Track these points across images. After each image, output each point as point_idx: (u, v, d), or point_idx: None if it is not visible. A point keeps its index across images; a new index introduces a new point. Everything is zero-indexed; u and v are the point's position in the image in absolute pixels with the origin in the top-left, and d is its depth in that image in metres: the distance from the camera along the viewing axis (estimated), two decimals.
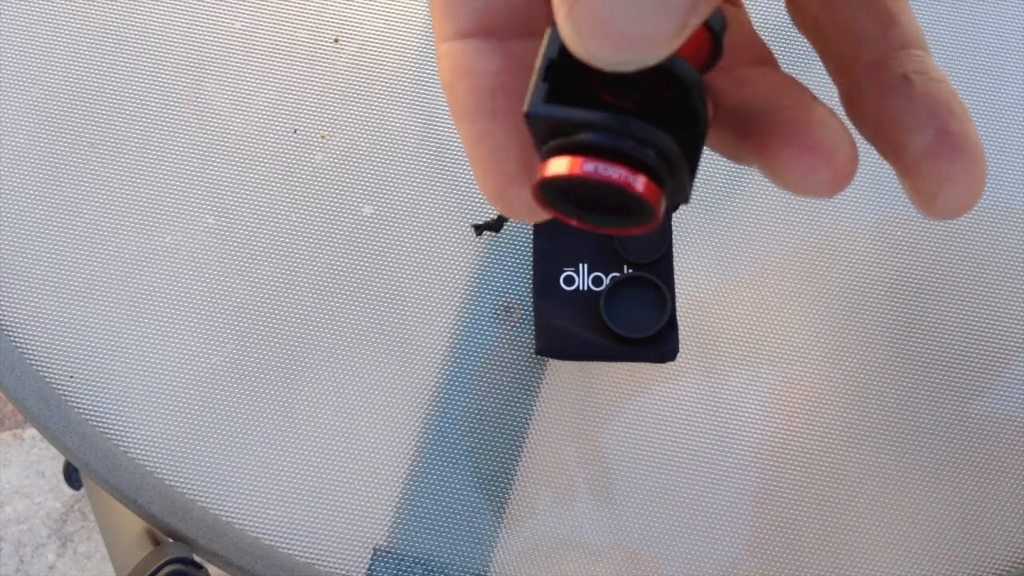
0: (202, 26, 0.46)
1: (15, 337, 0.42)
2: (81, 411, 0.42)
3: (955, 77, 0.47)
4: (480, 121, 0.17)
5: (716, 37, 0.17)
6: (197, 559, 0.42)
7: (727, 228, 0.45)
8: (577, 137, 0.16)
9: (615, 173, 0.16)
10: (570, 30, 0.14)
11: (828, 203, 0.45)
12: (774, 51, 0.20)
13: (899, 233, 0.45)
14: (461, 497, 0.42)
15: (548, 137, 0.17)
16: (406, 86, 0.46)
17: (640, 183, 0.16)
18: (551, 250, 0.42)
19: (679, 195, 0.17)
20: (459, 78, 0.17)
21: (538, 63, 0.16)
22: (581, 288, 0.41)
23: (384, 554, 0.41)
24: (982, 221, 0.45)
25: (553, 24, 0.16)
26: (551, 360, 0.43)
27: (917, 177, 0.17)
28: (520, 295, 0.44)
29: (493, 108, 0.17)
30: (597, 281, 0.41)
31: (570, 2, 0.14)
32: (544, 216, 0.18)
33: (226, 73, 0.46)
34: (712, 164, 0.46)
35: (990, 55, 0.47)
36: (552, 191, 0.17)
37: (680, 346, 0.41)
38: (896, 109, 0.18)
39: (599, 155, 0.16)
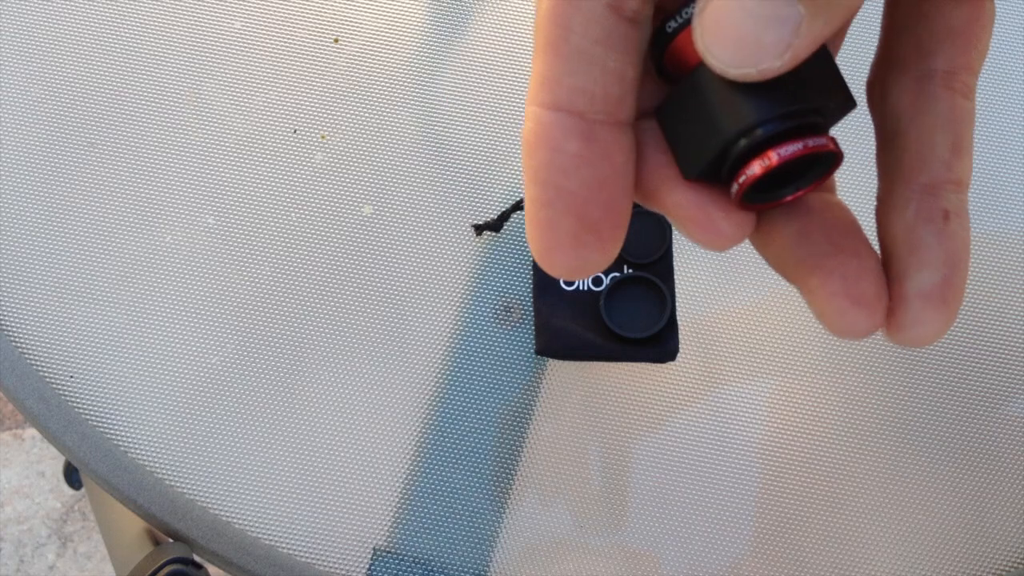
0: (202, 26, 0.46)
1: (15, 337, 0.42)
2: (81, 411, 0.42)
3: None
4: (548, 191, 0.18)
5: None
6: (197, 559, 0.42)
7: None
8: (755, 135, 0.18)
9: (812, 143, 0.18)
10: (699, 31, 0.17)
11: None
12: None
13: None
14: (461, 497, 0.42)
15: (719, 166, 0.19)
16: (406, 86, 0.46)
17: (828, 141, 0.18)
18: None
19: (843, 108, 0.19)
20: (541, 146, 0.18)
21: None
22: (581, 288, 0.41)
23: (384, 554, 0.41)
24: (982, 221, 0.45)
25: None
26: (551, 360, 0.43)
27: (903, 309, 0.19)
28: (520, 295, 0.43)
29: (560, 183, 0.18)
30: (597, 281, 0.41)
31: (700, 5, 0.17)
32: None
33: (226, 73, 0.46)
34: None
35: (990, 55, 0.47)
36: (752, 193, 0.19)
37: (680, 346, 0.41)
38: (922, 242, 0.19)
39: (782, 140, 0.18)
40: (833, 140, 0.18)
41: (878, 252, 0.20)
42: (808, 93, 0.18)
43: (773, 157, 0.18)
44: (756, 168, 0.18)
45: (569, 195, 0.18)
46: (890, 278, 0.19)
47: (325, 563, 0.41)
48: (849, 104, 0.19)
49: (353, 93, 0.46)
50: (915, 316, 0.19)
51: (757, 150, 0.18)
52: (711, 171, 0.19)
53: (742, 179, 0.18)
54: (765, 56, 0.16)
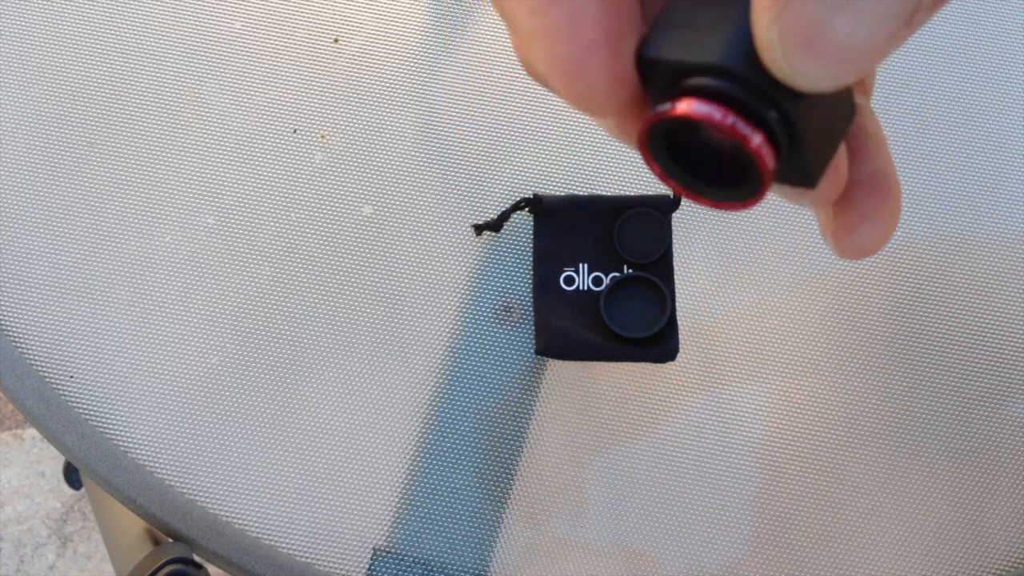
0: (202, 26, 0.46)
1: (15, 337, 0.42)
2: (81, 411, 0.42)
3: (955, 78, 0.47)
4: None
5: None
6: (197, 559, 0.42)
7: (727, 228, 0.45)
8: (698, 80, 0.15)
9: (730, 121, 0.15)
10: (775, 37, 0.13)
11: None
12: None
13: (900, 234, 0.45)
14: (461, 497, 0.42)
15: (664, 87, 0.16)
16: (406, 86, 0.46)
17: (757, 140, 0.15)
18: (551, 250, 0.42)
19: (802, 174, 0.16)
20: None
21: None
22: (581, 288, 0.41)
23: (384, 554, 0.41)
24: (982, 221, 0.45)
25: None
26: (551, 360, 0.43)
27: (842, 211, 0.18)
28: (520, 295, 0.43)
29: None
30: (597, 281, 0.41)
31: (779, 5, 0.13)
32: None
33: (226, 73, 0.46)
34: None
35: (990, 55, 0.47)
36: (659, 139, 0.16)
37: (680, 346, 0.41)
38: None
39: (720, 101, 0.15)
40: (767, 155, 0.15)
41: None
42: (793, 104, 0.15)
43: (683, 106, 0.15)
44: (669, 106, 0.15)
45: None
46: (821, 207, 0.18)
47: (325, 563, 0.41)
48: (808, 178, 0.16)
49: (353, 93, 0.46)
50: (852, 214, 0.18)
51: (702, 94, 0.15)
52: (660, 75, 0.16)
53: (657, 108, 0.16)
54: (856, 63, 0.13)
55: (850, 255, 0.18)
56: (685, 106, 0.15)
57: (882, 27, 0.13)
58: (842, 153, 0.18)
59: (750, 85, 0.15)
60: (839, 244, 0.18)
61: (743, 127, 0.15)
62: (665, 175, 0.17)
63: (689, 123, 0.15)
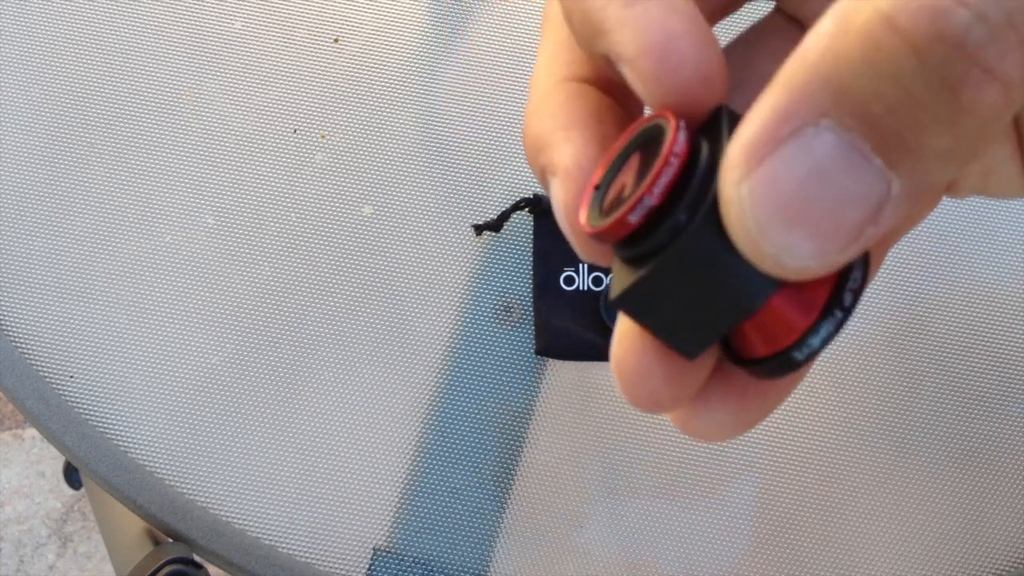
0: (202, 26, 0.46)
1: (15, 337, 0.42)
2: (81, 411, 0.42)
3: None
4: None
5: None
6: (197, 559, 0.42)
7: None
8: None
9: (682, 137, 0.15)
10: (747, 205, 0.12)
11: None
12: None
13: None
14: (461, 497, 0.42)
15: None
16: (406, 86, 0.46)
17: (680, 143, 0.15)
18: (551, 250, 0.42)
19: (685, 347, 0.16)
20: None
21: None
22: (581, 288, 0.41)
23: (384, 554, 0.41)
24: (983, 222, 0.45)
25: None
26: (551, 360, 0.43)
27: None
28: (520, 295, 0.43)
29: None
30: (597, 281, 0.41)
31: (747, 166, 0.12)
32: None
33: (226, 73, 0.46)
34: None
35: None
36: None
37: None
38: None
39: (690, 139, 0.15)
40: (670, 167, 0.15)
41: None
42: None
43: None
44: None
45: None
46: None
47: (325, 563, 0.41)
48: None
49: (353, 93, 0.46)
50: None
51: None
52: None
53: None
54: (835, 245, 0.12)
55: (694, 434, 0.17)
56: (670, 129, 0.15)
57: (856, 205, 0.12)
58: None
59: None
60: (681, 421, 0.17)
61: (679, 140, 0.14)
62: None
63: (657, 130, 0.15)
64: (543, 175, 0.18)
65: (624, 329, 0.16)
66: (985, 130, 0.12)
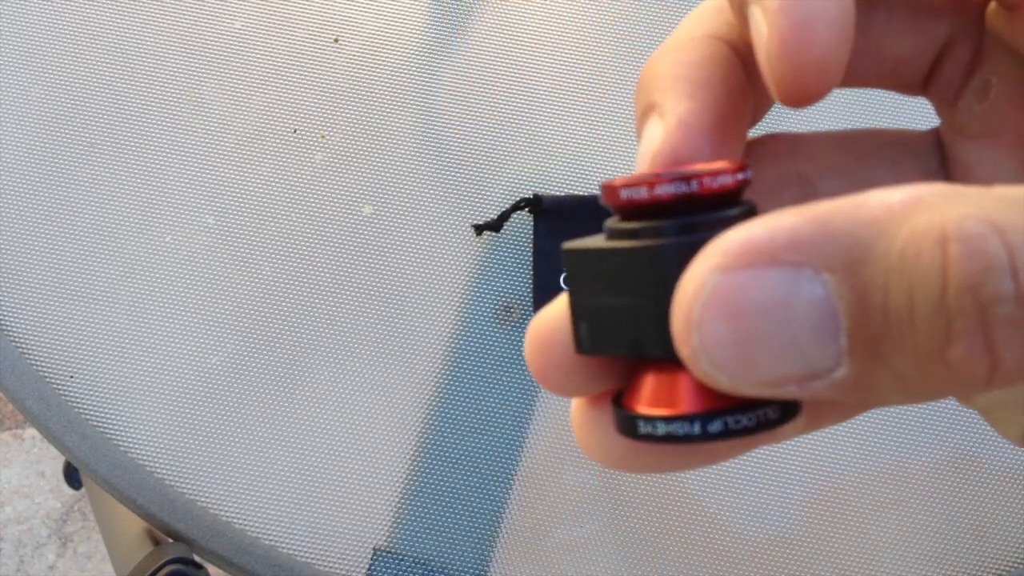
0: (202, 26, 0.46)
1: (15, 337, 0.42)
2: (81, 411, 0.42)
3: None
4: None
5: None
6: (197, 559, 0.42)
7: None
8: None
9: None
10: (707, 292, 0.12)
11: None
12: None
13: None
14: (461, 497, 0.42)
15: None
16: (406, 86, 0.46)
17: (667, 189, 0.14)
18: (551, 250, 0.42)
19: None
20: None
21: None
22: None
23: (384, 554, 0.41)
24: None
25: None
26: None
27: None
28: (520, 295, 0.43)
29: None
30: None
31: (734, 261, 0.12)
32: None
33: (226, 73, 0.46)
34: None
35: None
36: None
37: None
38: None
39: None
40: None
41: None
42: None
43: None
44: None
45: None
46: None
47: (325, 563, 0.41)
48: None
49: (353, 93, 0.46)
50: None
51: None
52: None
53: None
54: (752, 379, 0.12)
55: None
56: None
57: (798, 364, 0.12)
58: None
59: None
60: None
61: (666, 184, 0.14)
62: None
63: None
64: (646, 111, 0.17)
65: (561, 302, 0.16)
66: (950, 389, 0.12)
